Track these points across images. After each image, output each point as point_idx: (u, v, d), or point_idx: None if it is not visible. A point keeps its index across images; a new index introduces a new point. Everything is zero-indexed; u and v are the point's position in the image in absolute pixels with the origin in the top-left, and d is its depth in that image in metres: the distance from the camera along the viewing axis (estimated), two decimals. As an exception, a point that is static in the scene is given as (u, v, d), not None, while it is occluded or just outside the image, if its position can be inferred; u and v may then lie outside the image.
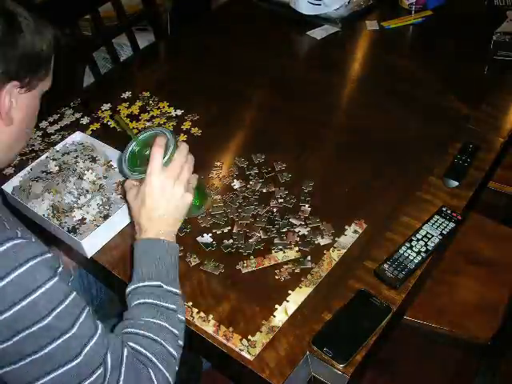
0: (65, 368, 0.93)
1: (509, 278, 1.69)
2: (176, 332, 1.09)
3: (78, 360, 0.94)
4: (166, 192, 1.16)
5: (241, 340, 1.16)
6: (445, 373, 2.11)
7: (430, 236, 1.32)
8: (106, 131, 1.73)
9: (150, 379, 1.01)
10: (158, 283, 1.12)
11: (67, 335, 0.93)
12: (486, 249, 1.78)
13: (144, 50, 2.40)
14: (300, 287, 1.25)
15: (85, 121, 1.77)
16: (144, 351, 1.03)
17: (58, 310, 0.93)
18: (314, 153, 1.61)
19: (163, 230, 1.17)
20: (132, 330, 1.07)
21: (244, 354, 1.14)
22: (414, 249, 1.29)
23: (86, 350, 0.95)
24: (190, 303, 1.24)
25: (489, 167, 1.52)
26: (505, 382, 1.96)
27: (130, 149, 1.22)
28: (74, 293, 0.98)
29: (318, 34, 2.13)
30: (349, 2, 2.20)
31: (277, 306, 1.22)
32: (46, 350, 0.92)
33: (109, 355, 0.98)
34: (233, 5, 2.45)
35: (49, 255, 0.97)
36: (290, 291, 1.25)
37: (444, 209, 1.38)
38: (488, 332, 1.57)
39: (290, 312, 1.21)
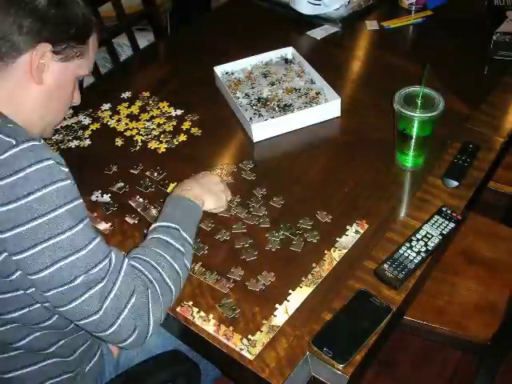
0: (72, 258, 1.02)
1: (509, 277, 1.69)
2: (177, 269, 1.19)
3: (84, 252, 1.03)
4: (216, 185, 1.41)
5: (241, 339, 1.16)
6: (445, 373, 2.11)
7: (429, 236, 1.32)
8: (105, 131, 1.73)
9: (145, 293, 1.10)
10: (177, 227, 1.24)
11: (73, 230, 1.03)
12: (485, 249, 1.78)
13: (144, 50, 2.40)
14: (300, 287, 1.25)
15: (86, 121, 1.77)
16: (146, 272, 1.14)
17: (68, 206, 1.03)
18: (315, 152, 1.62)
19: (200, 198, 1.35)
20: (137, 254, 1.18)
21: (244, 353, 1.14)
22: (413, 249, 1.29)
23: (90, 246, 1.05)
24: (191, 302, 1.24)
25: (489, 167, 1.52)
26: (505, 382, 1.96)
27: (409, 90, 1.46)
28: (81, 201, 1.08)
29: (317, 33, 2.13)
30: (349, 2, 2.20)
31: (277, 305, 1.22)
32: (55, 240, 1.01)
33: (113, 254, 1.09)
34: (233, 5, 2.45)
35: (66, 169, 1.08)
36: (290, 291, 1.25)
37: (444, 209, 1.37)
38: (488, 332, 1.57)
39: (291, 311, 1.21)
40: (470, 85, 1.80)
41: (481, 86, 1.80)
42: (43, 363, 1.25)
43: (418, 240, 1.31)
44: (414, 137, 1.44)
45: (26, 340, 1.19)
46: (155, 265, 1.15)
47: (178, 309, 1.23)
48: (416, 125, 1.41)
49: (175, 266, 1.18)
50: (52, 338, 1.24)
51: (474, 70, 1.88)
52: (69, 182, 1.04)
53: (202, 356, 1.41)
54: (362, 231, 1.37)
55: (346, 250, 1.33)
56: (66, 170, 1.07)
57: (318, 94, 1.77)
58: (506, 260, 1.74)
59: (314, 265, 1.30)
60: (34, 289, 1.08)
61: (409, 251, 1.29)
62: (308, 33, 2.13)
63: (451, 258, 1.72)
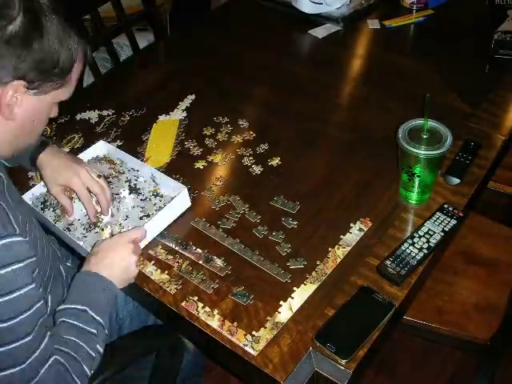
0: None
1: (509, 277, 1.69)
2: (92, 353, 1.15)
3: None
4: (125, 255, 1.26)
5: (245, 335, 1.16)
6: (445, 373, 2.11)
7: (431, 233, 1.31)
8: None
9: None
10: (84, 308, 1.18)
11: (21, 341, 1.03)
12: (485, 249, 1.78)
13: (144, 50, 2.40)
14: (305, 284, 1.25)
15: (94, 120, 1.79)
16: (66, 365, 1.10)
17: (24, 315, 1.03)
18: (316, 150, 1.62)
19: (108, 274, 1.24)
20: (56, 345, 1.13)
21: (248, 349, 1.14)
22: (416, 245, 1.29)
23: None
24: (196, 298, 1.24)
25: (490, 165, 1.52)
26: (504, 382, 1.96)
27: (414, 124, 1.37)
28: (41, 302, 1.09)
29: (319, 32, 2.13)
30: (350, 1, 2.21)
31: (281, 302, 1.22)
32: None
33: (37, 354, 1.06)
34: (233, 4, 2.46)
35: (33, 259, 1.06)
36: (294, 288, 1.25)
37: (446, 206, 1.37)
38: (488, 332, 1.57)
39: (295, 309, 1.21)
40: (471, 83, 1.80)
41: (482, 84, 1.80)
42: None
43: (420, 237, 1.31)
44: (420, 175, 1.35)
45: None
46: (73, 354, 1.13)
47: (183, 304, 1.23)
48: (422, 163, 1.33)
49: (89, 350, 1.15)
50: None
51: (475, 68, 1.87)
52: (23, 292, 1.03)
53: (205, 352, 1.41)
54: (365, 229, 1.37)
55: (350, 248, 1.33)
56: (31, 260, 1.06)
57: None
58: (506, 260, 1.74)
59: (318, 262, 1.30)
60: None
61: (411, 248, 1.28)
62: (310, 32, 2.14)
63: (451, 258, 1.72)
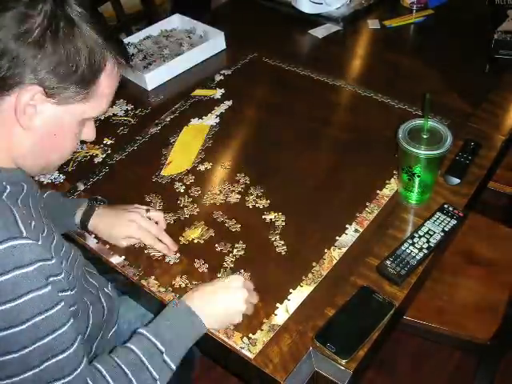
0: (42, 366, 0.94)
1: (509, 278, 1.69)
2: None
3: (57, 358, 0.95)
4: (231, 299, 1.17)
5: (242, 338, 1.16)
6: (445, 373, 2.11)
7: (431, 233, 1.31)
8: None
9: None
10: (163, 349, 1.09)
11: (43, 341, 0.94)
12: (485, 249, 1.78)
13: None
14: (301, 286, 1.25)
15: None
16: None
17: (41, 316, 0.94)
18: (315, 150, 1.61)
19: (207, 314, 1.15)
20: (103, 367, 1.06)
21: (245, 351, 1.13)
22: (416, 245, 1.29)
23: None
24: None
25: (490, 165, 1.52)
26: (504, 382, 1.96)
27: (414, 124, 1.36)
28: (62, 304, 0.98)
29: (319, 32, 2.13)
30: (350, 1, 2.22)
31: (278, 304, 1.22)
32: (24, 351, 0.92)
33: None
34: (233, 4, 2.46)
35: (49, 262, 0.96)
36: (291, 289, 1.24)
37: (446, 206, 1.37)
38: (488, 332, 1.57)
39: (291, 310, 1.21)
40: (471, 83, 1.80)
41: (482, 84, 1.80)
42: None
43: (420, 237, 1.31)
44: (420, 175, 1.35)
45: None
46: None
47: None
48: (422, 163, 1.32)
49: None
50: None
51: (475, 68, 1.88)
52: (47, 290, 0.94)
53: (204, 353, 1.40)
54: (361, 229, 1.36)
55: (346, 249, 1.33)
56: (52, 262, 0.97)
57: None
58: (506, 260, 1.74)
59: (314, 264, 1.30)
60: None
61: (411, 248, 1.28)
62: (310, 31, 2.14)
63: (451, 258, 1.72)
